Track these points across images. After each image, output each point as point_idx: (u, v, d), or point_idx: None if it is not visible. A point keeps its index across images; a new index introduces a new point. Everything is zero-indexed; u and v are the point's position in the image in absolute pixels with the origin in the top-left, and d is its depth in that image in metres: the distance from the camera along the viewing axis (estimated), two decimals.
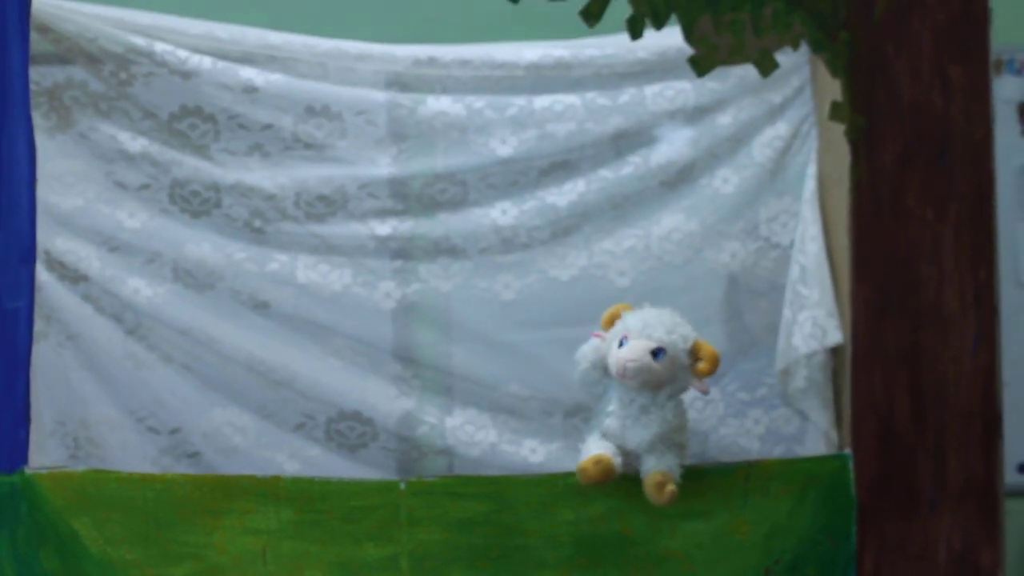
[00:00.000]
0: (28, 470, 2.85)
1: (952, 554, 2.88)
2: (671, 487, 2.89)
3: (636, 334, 2.96)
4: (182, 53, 3.53)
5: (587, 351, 3.02)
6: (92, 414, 3.47)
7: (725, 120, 3.60)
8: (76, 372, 3.46)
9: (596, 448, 2.94)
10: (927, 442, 2.89)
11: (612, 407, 2.98)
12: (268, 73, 3.57)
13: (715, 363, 2.98)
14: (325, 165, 3.59)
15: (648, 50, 3.58)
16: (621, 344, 2.96)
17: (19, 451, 2.85)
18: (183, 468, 3.48)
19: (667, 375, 2.97)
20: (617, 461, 2.93)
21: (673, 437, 2.98)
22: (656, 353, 2.95)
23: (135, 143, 3.52)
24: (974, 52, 2.90)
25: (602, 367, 3.00)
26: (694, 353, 2.98)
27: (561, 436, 3.58)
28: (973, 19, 2.90)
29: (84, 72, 3.49)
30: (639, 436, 2.96)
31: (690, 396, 3.50)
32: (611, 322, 3.03)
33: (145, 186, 3.54)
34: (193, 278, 3.54)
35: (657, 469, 2.91)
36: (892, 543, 2.90)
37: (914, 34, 2.90)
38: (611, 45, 3.59)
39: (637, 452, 2.96)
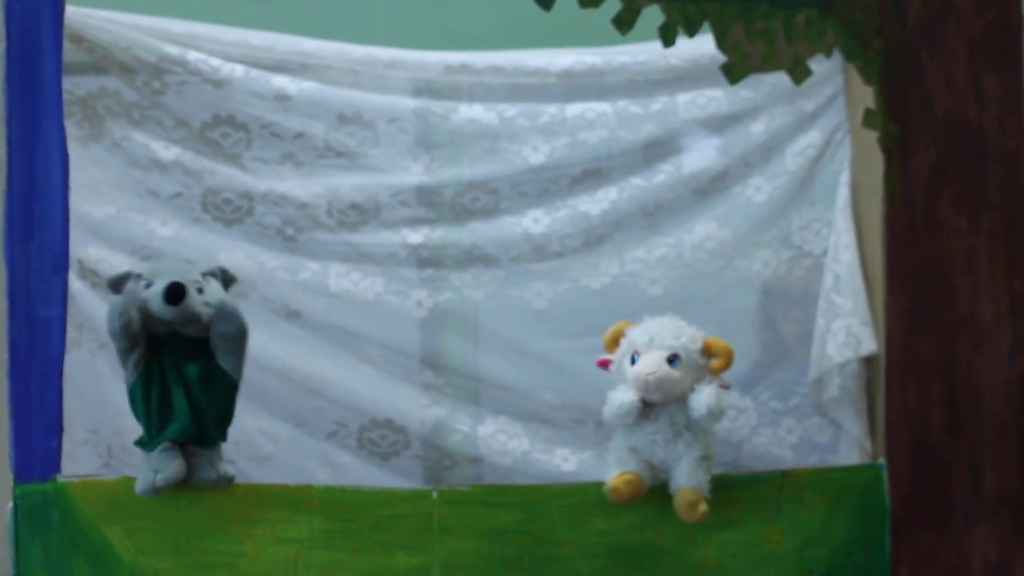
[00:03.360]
0: (61, 478, 2.85)
1: (987, 566, 2.86)
2: (703, 507, 2.84)
3: (645, 347, 2.88)
4: (215, 62, 3.53)
5: (624, 400, 2.88)
6: (125, 422, 3.43)
7: (757, 128, 3.59)
8: (109, 380, 3.47)
9: (623, 465, 2.91)
10: (962, 454, 2.87)
11: (640, 424, 2.92)
12: (300, 81, 3.57)
13: (729, 357, 2.87)
14: (357, 173, 3.59)
15: (681, 57, 3.57)
16: (633, 361, 2.88)
17: (52, 460, 2.86)
18: None
19: (687, 380, 2.91)
20: (646, 476, 2.90)
21: (701, 448, 2.94)
22: (671, 360, 2.87)
23: (168, 152, 3.53)
24: (1008, 61, 2.88)
25: (639, 408, 2.90)
26: (706, 352, 2.89)
27: (593, 445, 3.57)
28: (1007, 27, 2.88)
29: (118, 81, 3.50)
30: (668, 450, 2.91)
31: None
32: (615, 341, 2.92)
33: (178, 194, 3.55)
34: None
35: (688, 486, 2.87)
36: (927, 556, 2.87)
37: (948, 42, 2.88)
38: (644, 52, 3.59)
39: (665, 467, 2.92)
